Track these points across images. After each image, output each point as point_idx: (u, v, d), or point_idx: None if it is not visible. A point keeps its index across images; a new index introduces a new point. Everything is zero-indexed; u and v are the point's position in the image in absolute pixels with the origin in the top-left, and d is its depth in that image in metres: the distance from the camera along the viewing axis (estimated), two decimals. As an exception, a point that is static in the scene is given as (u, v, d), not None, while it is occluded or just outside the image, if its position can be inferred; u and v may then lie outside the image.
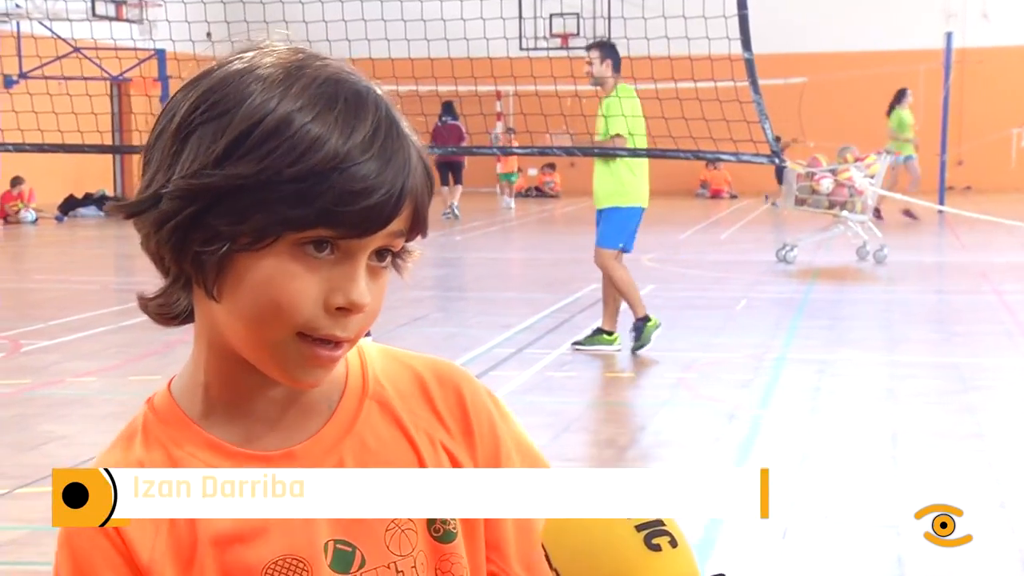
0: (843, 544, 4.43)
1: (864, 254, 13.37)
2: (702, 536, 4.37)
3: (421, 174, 1.06)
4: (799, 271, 12.66)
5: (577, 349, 8.13)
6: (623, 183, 7.99)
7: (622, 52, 8.20)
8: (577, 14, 24.20)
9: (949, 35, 21.49)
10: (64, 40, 16.16)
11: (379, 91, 1.07)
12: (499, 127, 23.63)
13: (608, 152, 7.98)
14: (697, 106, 8.69)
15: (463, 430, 1.18)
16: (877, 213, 15.76)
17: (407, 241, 1.08)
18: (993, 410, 6.54)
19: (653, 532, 1.00)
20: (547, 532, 1.03)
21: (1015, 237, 15.32)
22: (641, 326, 7.96)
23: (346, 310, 1.04)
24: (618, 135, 7.94)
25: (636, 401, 7.16)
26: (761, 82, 8.45)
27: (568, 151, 9.31)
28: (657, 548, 1.00)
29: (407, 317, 9.35)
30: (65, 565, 1.11)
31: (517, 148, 15.32)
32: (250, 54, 1.07)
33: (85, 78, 14.57)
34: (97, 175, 22.73)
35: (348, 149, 1.01)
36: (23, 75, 17.95)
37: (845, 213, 13.50)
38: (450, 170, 20.34)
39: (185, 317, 1.12)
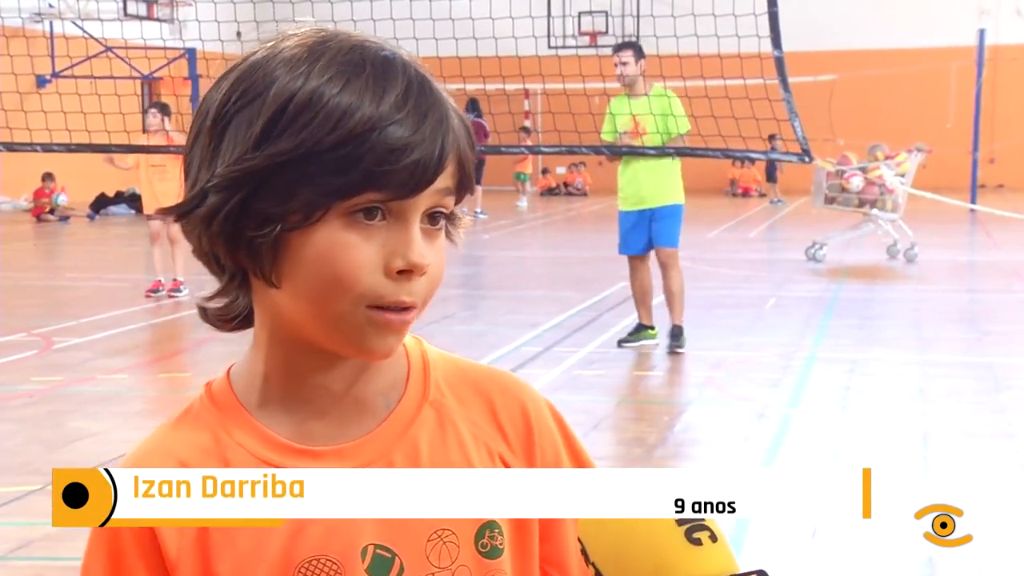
0: (873, 544, 4.40)
1: (895, 252, 13.29)
2: (731, 534, 4.35)
3: (461, 131, 1.07)
4: (829, 270, 12.59)
5: (623, 346, 8.16)
6: (679, 180, 8.07)
7: (651, 50, 8.19)
8: (606, 12, 24.20)
9: (982, 32, 21.34)
10: (95, 39, 16.27)
11: (406, 55, 1.08)
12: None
13: (635, 152, 7.96)
14: (726, 104, 8.66)
15: (524, 446, 1.16)
16: None
17: (457, 201, 1.08)
18: (1025, 410, 6.49)
19: (694, 527, 1.00)
20: (585, 526, 1.03)
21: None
22: (680, 331, 8.04)
23: (408, 272, 1.04)
24: (683, 134, 7.96)
25: (665, 400, 7.14)
26: (791, 80, 8.41)
27: (595, 150, 9.29)
28: (698, 543, 1.00)
29: (435, 315, 9.36)
30: (97, 556, 1.10)
31: (545, 147, 15.29)
32: (272, 41, 1.08)
33: (116, 77, 14.66)
34: (128, 174, 22.70)
35: (382, 110, 1.02)
36: (55, 75, 18.10)
37: (875, 211, 13.42)
38: None
39: (244, 321, 1.12)
